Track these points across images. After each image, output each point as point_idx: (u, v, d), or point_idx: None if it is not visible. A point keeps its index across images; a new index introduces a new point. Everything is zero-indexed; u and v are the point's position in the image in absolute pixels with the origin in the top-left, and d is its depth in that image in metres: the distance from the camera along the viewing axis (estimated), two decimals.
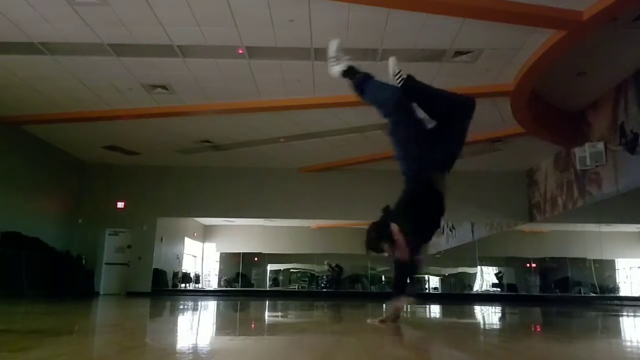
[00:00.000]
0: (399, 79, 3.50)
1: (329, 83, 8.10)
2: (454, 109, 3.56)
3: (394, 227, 3.35)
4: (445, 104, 3.58)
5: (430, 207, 3.40)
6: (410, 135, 3.46)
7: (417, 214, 3.35)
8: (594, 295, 10.84)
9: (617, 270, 11.29)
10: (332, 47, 3.67)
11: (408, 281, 3.51)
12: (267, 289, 18.31)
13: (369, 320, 3.63)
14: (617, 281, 11.21)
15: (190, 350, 2.28)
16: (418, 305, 3.68)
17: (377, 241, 3.45)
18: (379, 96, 3.57)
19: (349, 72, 3.65)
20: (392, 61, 3.59)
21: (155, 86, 8.36)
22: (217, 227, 19.66)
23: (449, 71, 7.58)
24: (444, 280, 17.68)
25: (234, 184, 13.00)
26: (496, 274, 15.06)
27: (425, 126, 3.51)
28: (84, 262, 12.26)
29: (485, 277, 15.84)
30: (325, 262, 17.26)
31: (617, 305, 9.72)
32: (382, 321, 3.57)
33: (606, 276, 11.31)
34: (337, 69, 3.67)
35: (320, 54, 7.15)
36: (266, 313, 5.77)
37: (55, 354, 2.00)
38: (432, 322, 4.85)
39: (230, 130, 10.46)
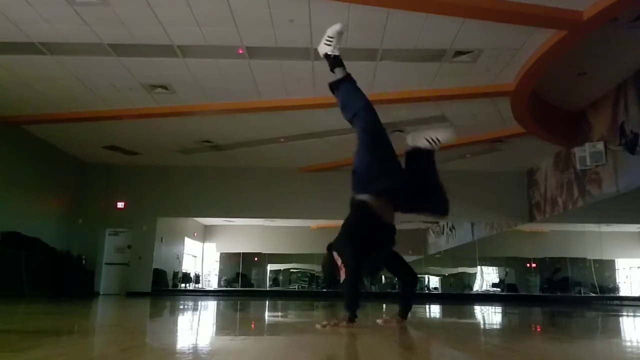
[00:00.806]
0: (433, 143, 3.49)
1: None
2: (432, 196, 3.56)
3: (336, 256, 3.30)
4: (433, 192, 3.56)
5: (369, 233, 3.29)
6: (367, 150, 3.41)
7: (354, 240, 3.27)
8: (594, 295, 10.83)
9: (617, 270, 11.28)
10: (334, 28, 3.61)
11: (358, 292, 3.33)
12: (267, 289, 18.30)
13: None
14: (617, 281, 11.20)
15: (190, 350, 2.28)
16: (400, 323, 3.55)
17: (328, 271, 3.38)
18: (352, 101, 3.53)
19: (335, 60, 3.60)
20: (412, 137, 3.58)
21: (155, 86, 8.36)
22: (217, 227, 19.66)
23: (449, 71, 7.58)
24: (444, 280, 17.68)
25: (234, 184, 13.01)
26: (501, 279, 15.04)
27: (386, 153, 3.44)
28: (84, 262, 12.27)
29: (486, 277, 15.82)
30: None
31: (617, 305, 9.71)
32: (385, 321, 3.57)
33: (606, 276, 11.29)
34: (326, 49, 3.61)
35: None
36: (266, 313, 5.77)
37: (55, 354, 2.00)
38: (432, 322, 4.85)
39: (230, 130, 10.46)
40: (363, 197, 3.37)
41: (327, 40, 3.62)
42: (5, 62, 7.58)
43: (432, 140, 3.48)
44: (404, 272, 3.63)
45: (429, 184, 3.56)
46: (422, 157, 3.53)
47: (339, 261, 3.25)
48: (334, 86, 3.62)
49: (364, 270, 3.34)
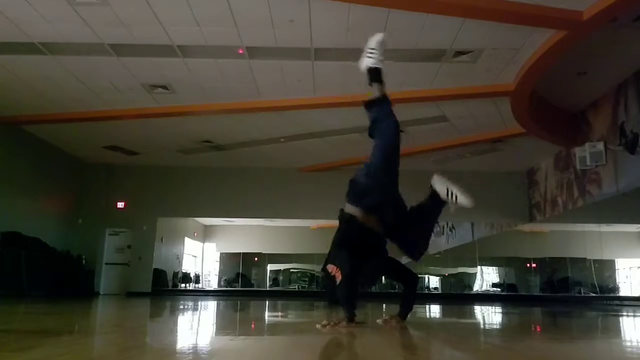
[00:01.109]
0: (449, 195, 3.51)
1: (329, 83, 8.11)
2: (412, 239, 3.60)
3: (330, 267, 3.31)
4: (419, 227, 3.61)
5: (360, 244, 3.32)
6: (379, 164, 3.44)
7: (345, 248, 3.31)
8: (594, 295, 10.83)
9: (617, 270, 11.29)
10: (376, 39, 3.55)
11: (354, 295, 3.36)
12: (267, 289, 18.31)
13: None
14: (617, 281, 11.21)
15: (190, 350, 2.28)
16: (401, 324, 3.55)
17: (329, 289, 3.33)
18: (384, 119, 3.50)
19: (375, 74, 3.54)
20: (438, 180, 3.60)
21: (155, 86, 8.36)
22: (217, 227, 19.66)
23: (449, 71, 7.58)
24: (444, 280, 17.68)
25: (234, 184, 13.00)
26: (501, 279, 15.04)
27: (391, 178, 3.47)
28: (84, 262, 12.26)
29: (486, 277, 15.82)
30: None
31: (617, 305, 9.71)
32: (385, 321, 3.58)
33: (606, 276, 11.30)
34: (368, 62, 3.54)
35: (320, 54, 7.16)
36: (266, 313, 5.77)
37: (55, 354, 2.00)
38: (432, 322, 4.85)
39: (231, 130, 10.46)
40: (353, 210, 3.41)
41: (370, 53, 3.55)
42: (5, 62, 7.58)
43: (450, 192, 3.51)
44: (405, 276, 3.66)
45: (420, 226, 3.63)
46: (431, 199, 3.59)
47: (334, 270, 3.26)
48: (369, 104, 3.55)
49: (360, 280, 3.36)
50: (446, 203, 3.57)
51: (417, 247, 3.65)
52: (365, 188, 3.41)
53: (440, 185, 3.58)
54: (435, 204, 3.60)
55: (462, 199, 3.49)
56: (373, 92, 3.58)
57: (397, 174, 3.52)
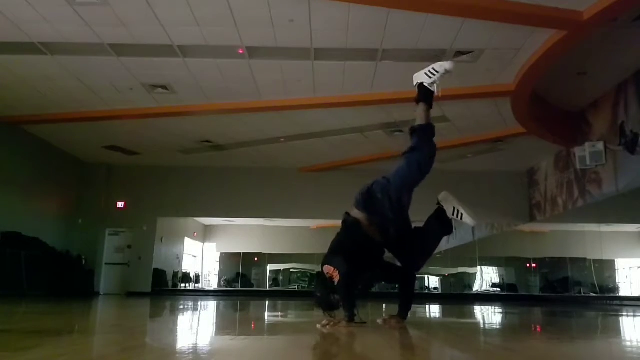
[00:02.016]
0: (455, 213, 3.54)
1: (329, 83, 8.10)
2: (414, 253, 3.63)
3: (327, 268, 3.33)
4: (420, 245, 3.63)
5: (358, 251, 3.36)
6: (402, 182, 3.46)
7: (343, 251, 3.35)
8: (594, 295, 10.83)
9: (617, 270, 11.29)
10: (444, 65, 3.59)
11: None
12: (267, 289, 18.30)
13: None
14: (617, 281, 11.21)
15: (190, 350, 2.28)
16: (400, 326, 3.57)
17: (326, 297, 3.29)
18: (425, 146, 3.51)
19: (426, 95, 3.57)
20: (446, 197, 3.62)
21: (155, 86, 8.36)
22: (217, 227, 19.65)
23: None
24: (444, 280, 17.68)
25: (234, 184, 13.01)
26: (501, 279, 15.04)
27: (403, 197, 3.48)
28: (84, 262, 12.27)
29: (486, 277, 15.83)
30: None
31: (617, 305, 9.71)
32: (385, 321, 3.58)
33: (606, 276, 11.31)
34: (424, 79, 3.58)
35: (320, 54, 7.15)
36: (266, 313, 5.77)
37: (55, 354, 2.00)
38: (432, 322, 4.85)
39: (231, 130, 10.46)
40: (359, 216, 3.43)
41: (430, 72, 3.57)
42: (5, 62, 7.57)
43: (456, 211, 3.55)
44: (401, 277, 3.67)
45: (422, 245, 3.64)
46: (437, 217, 3.61)
47: (330, 270, 3.28)
48: (413, 131, 3.57)
49: (356, 288, 3.38)
50: (451, 223, 3.60)
51: (414, 263, 3.67)
52: (378, 202, 3.43)
53: (447, 203, 3.60)
54: (440, 222, 3.61)
55: (467, 219, 3.53)
56: (417, 112, 3.58)
57: (412, 195, 3.53)
